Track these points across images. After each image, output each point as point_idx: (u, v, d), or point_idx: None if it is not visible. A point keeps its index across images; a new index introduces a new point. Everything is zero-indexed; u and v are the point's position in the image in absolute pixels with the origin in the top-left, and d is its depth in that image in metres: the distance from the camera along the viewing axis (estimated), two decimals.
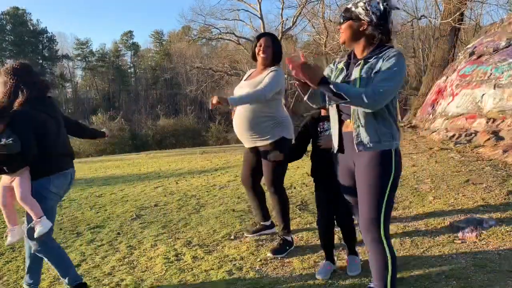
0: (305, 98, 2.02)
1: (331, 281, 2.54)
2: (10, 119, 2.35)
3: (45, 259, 2.52)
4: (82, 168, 9.91)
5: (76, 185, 6.78)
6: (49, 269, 2.97)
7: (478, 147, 6.11)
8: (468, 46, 9.53)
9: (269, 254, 2.99)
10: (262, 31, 19.96)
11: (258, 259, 2.97)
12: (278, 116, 3.04)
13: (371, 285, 2.11)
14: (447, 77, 9.16)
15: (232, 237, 3.46)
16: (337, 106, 2.03)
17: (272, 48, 3.05)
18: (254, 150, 3.15)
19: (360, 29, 1.92)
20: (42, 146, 2.42)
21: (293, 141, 3.01)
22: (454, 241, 2.97)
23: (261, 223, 3.45)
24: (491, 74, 7.24)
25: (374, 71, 1.85)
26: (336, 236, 2.87)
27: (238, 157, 8.47)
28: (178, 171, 7.68)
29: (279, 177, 3.07)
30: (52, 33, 53.71)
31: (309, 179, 2.78)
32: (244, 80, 3.20)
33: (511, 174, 4.56)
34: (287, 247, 3.05)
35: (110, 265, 3.10)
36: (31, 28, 51.66)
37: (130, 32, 59.31)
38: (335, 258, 2.76)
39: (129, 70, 59.63)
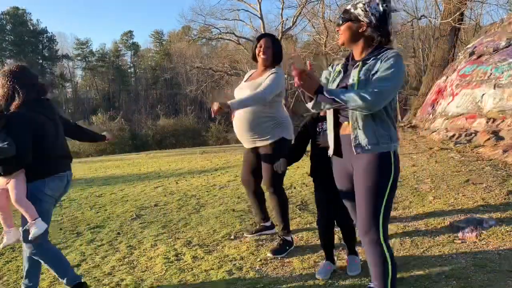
0: (310, 107, 2.01)
1: (331, 281, 2.54)
2: (6, 121, 2.34)
3: (42, 262, 2.51)
4: (82, 168, 9.91)
5: (76, 185, 6.78)
6: (49, 269, 2.96)
7: (478, 147, 6.11)
8: (468, 46, 9.53)
9: (269, 254, 2.99)
10: (262, 31, 19.95)
11: (258, 259, 2.97)
12: (279, 117, 3.04)
13: (371, 285, 2.11)
14: (447, 77, 9.17)
15: (232, 237, 3.46)
16: (334, 109, 2.02)
17: (272, 49, 3.06)
18: (254, 150, 3.15)
19: (359, 31, 1.91)
20: (39, 148, 2.41)
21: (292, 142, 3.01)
22: (454, 241, 2.97)
23: (261, 223, 3.45)
24: (491, 74, 7.24)
25: (372, 72, 1.84)
26: (336, 236, 2.87)
27: (238, 157, 8.47)
28: (178, 171, 7.68)
29: (278, 178, 3.06)
30: (52, 33, 53.84)
31: (309, 179, 2.78)
32: (245, 82, 3.20)
33: (511, 174, 4.56)
34: (287, 247, 3.05)
35: (110, 265, 3.10)
36: (31, 28, 51.68)
37: (130, 32, 59.39)
38: (335, 258, 2.76)
39: (129, 70, 59.66)
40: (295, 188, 5.01)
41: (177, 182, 6.33)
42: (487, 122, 6.68)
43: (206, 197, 5.07)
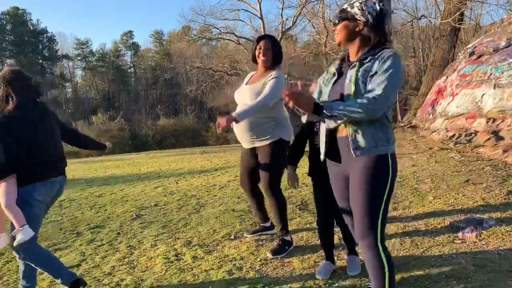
0: (304, 120, 1.99)
1: (331, 281, 2.54)
2: None
3: (33, 265, 2.50)
4: (82, 168, 9.91)
5: (76, 185, 6.79)
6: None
7: (478, 147, 6.12)
8: (468, 46, 9.53)
9: (268, 255, 2.99)
10: (262, 31, 19.95)
11: (258, 259, 2.97)
12: (279, 117, 3.05)
13: (371, 285, 2.11)
14: (447, 77, 9.17)
15: (232, 237, 3.46)
16: None
17: (272, 50, 3.06)
18: (252, 151, 3.15)
19: (356, 30, 1.88)
20: (30, 152, 2.39)
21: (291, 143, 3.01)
22: (454, 241, 2.97)
23: (261, 224, 3.45)
24: (491, 74, 7.24)
25: (370, 74, 1.81)
26: (336, 236, 2.87)
27: (238, 157, 8.46)
28: (178, 171, 7.68)
29: (276, 178, 3.06)
30: (52, 33, 53.84)
31: (309, 179, 2.77)
32: (245, 84, 3.20)
33: (511, 174, 4.56)
34: (287, 247, 3.05)
35: (110, 265, 3.10)
36: (31, 28, 51.69)
37: (130, 32, 59.40)
38: (335, 258, 2.75)
39: (129, 70, 59.67)
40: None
41: (177, 182, 6.33)
42: (487, 122, 6.68)
43: (206, 197, 5.08)
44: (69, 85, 55.98)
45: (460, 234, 3.04)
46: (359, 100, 1.76)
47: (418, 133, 8.74)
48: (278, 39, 19.18)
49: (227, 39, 24.58)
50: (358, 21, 1.87)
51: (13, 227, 2.40)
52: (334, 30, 1.98)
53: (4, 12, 49.01)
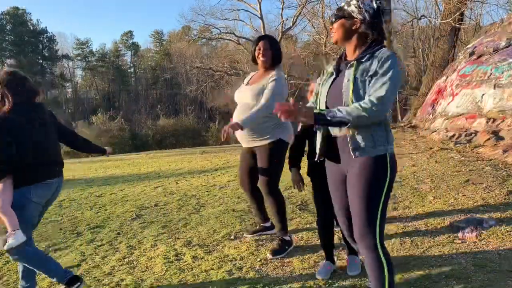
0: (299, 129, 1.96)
1: (331, 281, 2.54)
2: None
3: (27, 266, 2.49)
4: (82, 168, 9.92)
5: (76, 185, 6.79)
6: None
7: (478, 147, 6.12)
8: (468, 46, 9.54)
9: (268, 256, 2.99)
10: (262, 31, 19.97)
11: (258, 259, 2.97)
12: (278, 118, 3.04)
13: (371, 285, 2.11)
14: (447, 77, 9.17)
15: (232, 237, 3.46)
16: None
17: (271, 50, 3.07)
18: (251, 151, 3.15)
19: (353, 28, 1.87)
20: (24, 154, 2.38)
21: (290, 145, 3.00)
22: (454, 241, 2.97)
23: (261, 224, 3.45)
24: (491, 74, 7.24)
25: (369, 73, 1.80)
26: (336, 236, 2.87)
27: (238, 157, 8.46)
28: (178, 171, 7.68)
29: (274, 178, 3.06)
30: (52, 33, 53.85)
31: (309, 179, 2.77)
32: (246, 84, 3.20)
33: (511, 174, 4.56)
34: (286, 247, 3.05)
35: (110, 265, 3.09)
36: (31, 28, 51.69)
37: (130, 32, 59.42)
38: (335, 258, 2.75)
39: (129, 70, 59.68)
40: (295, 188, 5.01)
41: (177, 182, 6.33)
42: (487, 122, 6.68)
43: (206, 197, 5.08)
44: (69, 85, 56.02)
45: (460, 234, 3.04)
46: (362, 104, 1.74)
47: (418, 133, 8.74)
48: (278, 39, 19.21)
49: (227, 39, 24.62)
50: (355, 19, 1.86)
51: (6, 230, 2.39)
52: (331, 28, 1.97)
53: (4, 12, 49.09)
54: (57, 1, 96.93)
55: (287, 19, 20.30)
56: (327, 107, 1.93)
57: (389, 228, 3.27)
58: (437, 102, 9.02)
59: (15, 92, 2.43)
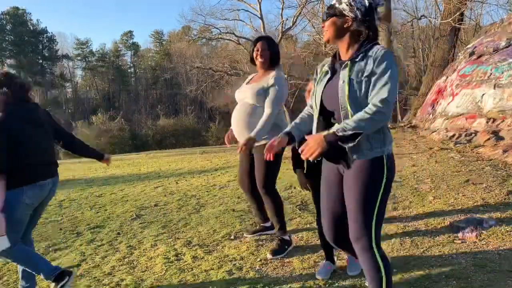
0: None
1: (331, 281, 2.54)
2: None
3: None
4: (82, 168, 9.92)
5: (76, 185, 6.78)
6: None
7: (478, 147, 6.12)
8: (468, 46, 9.54)
9: (268, 256, 2.99)
10: (262, 31, 19.98)
11: (258, 259, 2.97)
12: (278, 118, 3.05)
13: (369, 286, 2.10)
14: (447, 77, 9.17)
15: (232, 237, 3.47)
16: (324, 118, 1.93)
17: (269, 51, 3.07)
18: (251, 152, 3.15)
19: (344, 26, 1.84)
20: (16, 155, 2.37)
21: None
22: (454, 241, 2.97)
23: (261, 224, 3.45)
24: (491, 74, 7.24)
25: (365, 74, 1.77)
26: None
27: (238, 157, 8.47)
28: (178, 171, 7.68)
29: (270, 179, 3.06)
30: (52, 33, 53.77)
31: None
32: (246, 84, 3.21)
33: (511, 174, 4.56)
34: (286, 247, 3.05)
35: (110, 265, 3.10)
36: (31, 28, 51.66)
37: (130, 32, 59.36)
38: (335, 258, 2.75)
39: (129, 70, 59.65)
40: (295, 188, 5.01)
41: (177, 182, 6.33)
42: (487, 122, 6.68)
43: (206, 197, 5.08)
44: (69, 85, 56.00)
45: (460, 234, 3.04)
46: (368, 110, 1.71)
47: (418, 133, 8.74)
48: (278, 39, 19.23)
49: (227, 39, 24.63)
50: (347, 17, 1.83)
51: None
52: (322, 27, 1.93)
53: (4, 12, 49.04)
54: (57, 1, 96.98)
55: (287, 19, 20.32)
56: (323, 107, 1.92)
57: (389, 228, 3.28)
58: (437, 102, 9.02)
59: (9, 93, 2.41)
